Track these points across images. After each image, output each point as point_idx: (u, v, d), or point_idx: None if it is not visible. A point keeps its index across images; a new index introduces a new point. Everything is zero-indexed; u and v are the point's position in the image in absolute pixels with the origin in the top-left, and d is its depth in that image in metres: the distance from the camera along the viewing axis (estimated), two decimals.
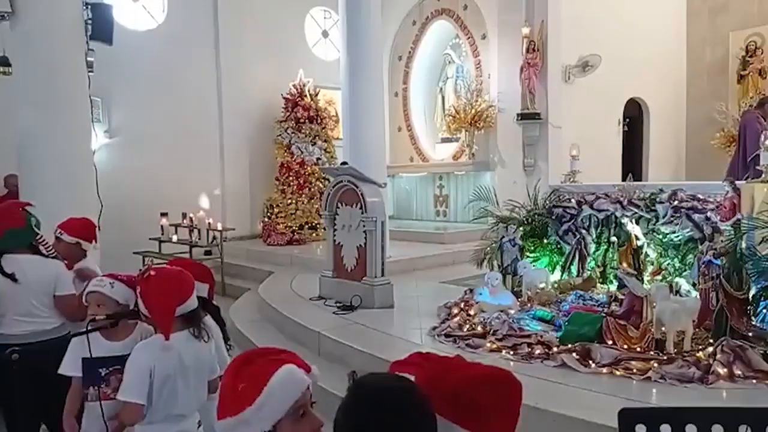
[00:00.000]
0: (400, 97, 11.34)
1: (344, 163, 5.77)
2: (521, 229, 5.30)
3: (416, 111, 11.26)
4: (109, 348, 2.31)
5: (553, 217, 5.35)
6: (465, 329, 4.25)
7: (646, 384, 3.21)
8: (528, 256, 5.27)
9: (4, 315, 2.78)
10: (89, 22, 5.25)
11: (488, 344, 3.93)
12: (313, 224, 9.30)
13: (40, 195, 4.31)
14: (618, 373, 3.33)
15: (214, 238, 7.99)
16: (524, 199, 5.60)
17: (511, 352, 3.78)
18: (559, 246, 5.35)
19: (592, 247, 5.15)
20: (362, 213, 5.19)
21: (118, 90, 8.37)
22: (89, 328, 2.26)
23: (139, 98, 8.68)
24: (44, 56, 4.90)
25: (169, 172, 8.77)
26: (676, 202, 4.57)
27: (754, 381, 3.14)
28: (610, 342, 3.65)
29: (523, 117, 8.65)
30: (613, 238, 4.99)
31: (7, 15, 4.85)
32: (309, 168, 9.40)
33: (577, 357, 3.54)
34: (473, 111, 9.55)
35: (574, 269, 5.19)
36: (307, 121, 9.53)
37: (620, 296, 4.33)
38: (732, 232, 3.80)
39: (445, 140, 10.77)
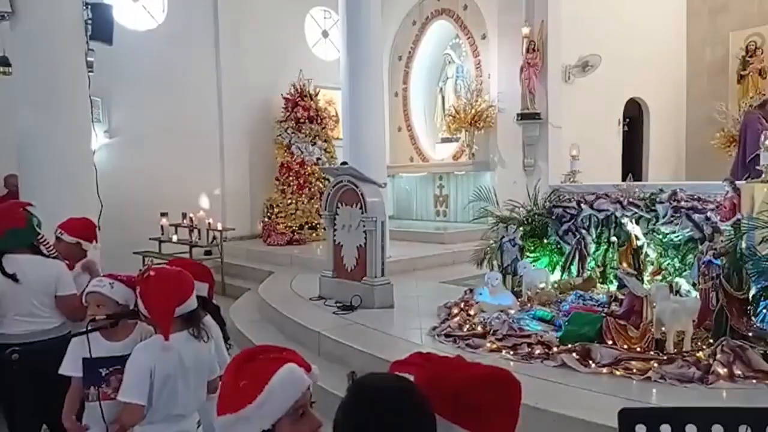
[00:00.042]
0: (400, 97, 11.34)
1: (344, 163, 5.77)
2: (521, 229, 5.30)
3: (416, 111, 11.26)
4: (109, 348, 2.31)
5: (553, 217, 5.35)
6: (465, 329, 4.25)
7: (646, 384, 3.21)
8: (528, 256, 5.27)
9: (5, 315, 2.78)
10: (89, 22, 5.25)
11: (488, 344, 3.93)
12: (313, 224, 9.30)
13: (40, 195, 4.31)
14: (618, 373, 3.33)
15: (214, 238, 8.00)
16: (524, 199, 5.60)
17: (511, 352, 3.78)
18: (559, 246, 5.35)
19: (592, 247, 5.15)
20: (362, 213, 5.19)
21: (118, 90, 8.37)
22: (89, 328, 2.26)
23: (139, 98, 8.68)
24: (44, 56, 4.89)
25: (169, 172, 8.77)
26: (676, 202, 4.57)
27: (754, 381, 3.14)
28: (610, 342, 3.65)
29: (523, 117, 8.66)
30: (613, 238, 4.99)
31: (7, 15, 4.85)
32: (309, 168, 9.40)
33: (577, 357, 3.54)
34: (473, 111, 9.55)
35: (574, 269, 5.19)
36: (307, 121, 9.53)
37: (620, 296, 4.33)
38: (732, 232, 3.80)
39: (445, 140, 10.78)
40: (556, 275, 5.27)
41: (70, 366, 2.31)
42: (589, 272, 5.13)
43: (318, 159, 9.52)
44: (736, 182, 4.09)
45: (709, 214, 4.29)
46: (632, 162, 10.24)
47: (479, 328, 4.21)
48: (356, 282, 5.29)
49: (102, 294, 2.32)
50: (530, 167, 8.73)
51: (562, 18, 8.57)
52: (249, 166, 10.00)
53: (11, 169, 6.06)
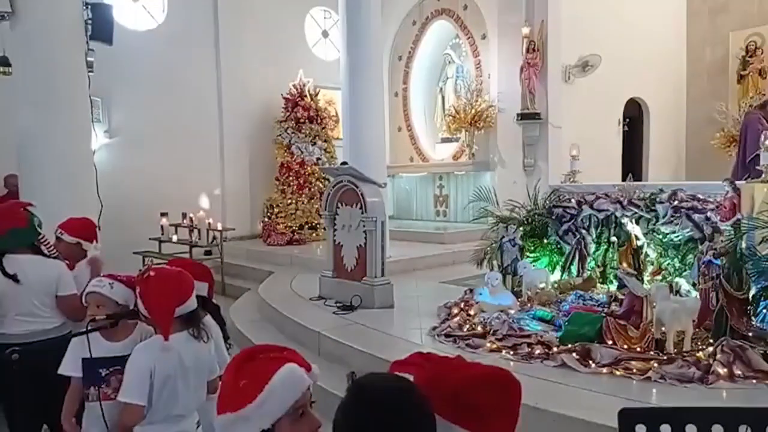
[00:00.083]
0: (400, 97, 11.34)
1: (344, 163, 5.77)
2: (521, 229, 5.30)
3: (416, 111, 11.26)
4: (109, 348, 2.31)
5: (553, 217, 5.34)
6: (465, 329, 4.25)
7: (646, 384, 3.21)
8: (528, 256, 5.27)
9: (6, 315, 2.78)
10: (89, 22, 5.25)
11: (488, 344, 3.93)
12: (313, 224, 9.30)
13: (40, 195, 4.31)
14: (618, 373, 3.33)
15: (214, 238, 8.00)
16: (524, 199, 5.59)
17: (511, 352, 3.77)
18: (559, 246, 5.34)
19: (592, 247, 5.15)
20: (362, 213, 5.19)
21: (118, 90, 8.37)
22: (89, 328, 2.26)
23: (139, 98, 8.68)
24: (44, 56, 4.90)
25: (169, 172, 8.77)
26: (676, 202, 4.57)
27: (754, 381, 3.14)
28: (610, 342, 3.65)
29: (523, 117, 8.66)
30: (613, 238, 4.99)
31: (7, 15, 4.85)
32: (309, 168, 9.40)
33: (577, 357, 3.54)
34: (473, 111, 9.55)
35: (574, 269, 5.18)
36: (307, 121, 9.53)
37: (620, 296, 4.33)
38: (732, 232, 3.80)
39: (445, 140, 10.77)
40: (556, 275, 5.26)
41: (70, 366, 2.32)
42: (589, 272, 5.13)
43: (318, 159, 9.52)
44: (736, 182, 4.09)
45: (709, 214, 4.29)
46: (632, 162, 10.25)
47: (479, 328, 4.21)
48: (356, 282, 5.29)
49: (102, 294, 2.32)
50: (530, 167, 8.73)
51: (562, 18, 8.57)
52: (249, 166, 10.01)
53: (11, 169, 6.06)
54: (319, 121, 9.68)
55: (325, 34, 11.12)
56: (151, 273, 2.16)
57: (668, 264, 4.58)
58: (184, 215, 8.28)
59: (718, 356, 3.29)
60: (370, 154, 6.81)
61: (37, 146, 4.95)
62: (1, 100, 5.52)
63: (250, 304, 6.34)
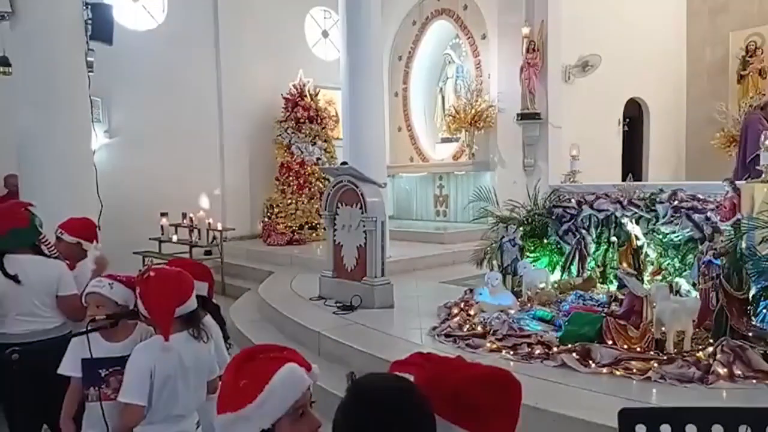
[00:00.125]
0: (400, 97, 11.34)
1: (344, 163, 5.77)
2: (521, 229, 5.30)
3: (416, 111, 11.26)
4: (109, 349, 2.31)
5: (553, 217, 5.34)
6: (465, 329, 4.25)
7: (646, 384, 3.21)
8: (528, 256, 5.27)
9: (6, 315, 2.78)
10: (89, 22, 5.25)
11: (488, 344, 3.93)
12: (313, 224, 9.30)
13: (40, 195, 4.31)
14: (618, 373, 3.33)
15: (214, 238, 8.00)
16: (524, 199, 5.59)
17: (511, 352, 3.78)
18: (559, 246, 5.34)
19: (592, 247, 5.15)
20: (362, 213, 5.19)
21: (118, 90, 8.37)
22: (89, 328, 2.26)
23: (139, 98, 8.68)
24: (44, 56, 4.89)
25: (169, 172, 8.77)
26: (676, 202, 4.57)
27: (754, 381, 3.14)
28: (610, 342, 3.64)
29: (523, 117, 8.66)
30: (613, 238, 4.98)
31: (7, 15, 4.85)
32: (309, 168, 9.40)
33: (577, 357, 3.54)
34: (473, 111, 9.55)
35: (574, 269, 5.18)
36: (307, 121, 9.53)
37: (620, 296, 4.33)
38: (732, 232, 3.80)
39: (445, 140, 10.77)
40: (556, 275, 5.26)
41: (69, 366, 2.31)
42: (589, 272, 5.13)
43: (318, 159, 9.52)
44: (736, 182, 4.09)
45: (709, 214, 4.29)
46: (632, 162, 10.25)
47: (479, 328, 4.21)
48: (356, 282, 5.29)
49: (101, 295, 2.32)
50: (530, 167, 8.73)
51: (562, 18, 8.57)
52: (249, 166, 10.01)
53: (11, 169, 6.06)
54: (319, 121, 9.69)
55: (325, 34, 11.12)
56: (151, 273, 2.16)
57: (668, 264, 4.58)
58: (184, 215, 8.28)
59: (718, 356, 3.29)
60: (370, 154, 6.81)
61: (37, 146, 4.95)
62: (1, 100, 5.51)
63: (250, 304, 6.34)
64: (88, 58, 5.29)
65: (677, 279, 4.44)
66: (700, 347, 3.53)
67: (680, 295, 4.19)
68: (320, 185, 9.25)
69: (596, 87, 9.14)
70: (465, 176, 10.11)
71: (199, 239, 7.85)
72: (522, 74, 8.52)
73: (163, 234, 8.13)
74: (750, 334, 3.49)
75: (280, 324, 5.31)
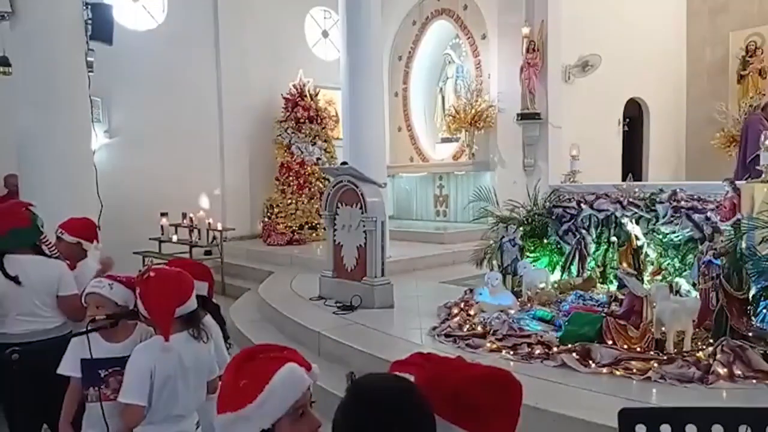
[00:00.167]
0: (400, 97, 11.34)
1: (344, 163, 5.77)
2: (521, 229, 5.30)
3: (416, 111, 11.26)
4: (109, 349, 2.31)
5: (553, 217, 5.35)
6: (465, 329, 4.25)
7: (646, 384, 3.21)
8: (528, 256, 5.27)
9: (7, 315, 2.78)
10: (89, 22, 5.25)
11: (488, 344, 3.93)
12: (313, 224, 9.30)
13: (40, 195, 4.31)
14: (618, 373, 3.33)
15: (214, 238, 8.00)
16: (524, 199, 5.60)
17: (511, 352, 3.78)
18: (559, 246, 5.35)
19: (592, 247, 5.15)
20: (362, 213, 5.19)
21: (118, 90, 8.37)
22: (89, 328, 2.25)
23: (139, 98, 8.68)
24: (44, 56, 4.89)
25: (169, 172, 8.77)
26: (676, 202, 4.57)
27: (754, 381, 3.14)
28: (610, 342, 3.65)
29: (523, 117, 8.66)
30: (613, 238, 4.99)
31: (7, 15, 4.85)
32: (309, 168, 9.40)
33: (577, 357, 3.54)
34: (473, 111, 9.55)
35: (574, 269, 5.19)
36: (307, 121, 9.53)
37: (620, 296, 4.33)
38: (732, 232, 3.80)
39: (445, 140, 10.77)
40: (556, 275, 5.26)
41: (69, 366, 2.31)
42: (589, 272, 5.13)
43: (318, 159, 9.52)
44: (736, 182, 4.09)
45: (709, 214, 4.29)
46: (632, 162, 10.25)
47: (479, 328, 4.21)
48: (356, 282, 5.29)
49: (101, 295, 2.31)
50: (530, 167, 8.73)
51: (562, 18, 8.57)
52: (249, 166, 10.01)
53: (11, 169, 6.06)
54: (319, 121, 9.69)
55: (325, 34, 11.12)
56: (151, 273, 2.16)
57: (668, 264, 4.58)
58: (184, 215, 8.28)
59: (718, 356, 3.29)
60: (370, 154, 6.81)
61: (37, 146, 4.95)
62: (1, 100, 5.51)
63: (250, 304, 6.34)
64: (88, 58, 5.29)
65: (677, 279, 4.44)
66: (700, 347, 3.53)
67: (680, 295, 4.19)
68: (320, 185, 9.25)
69: (596, 87, 9.14)
70: (465, 176, 10.11)
71: (199, 239, 7.85)
72: (522, 74, 8.52)
73: (163, 234, 8.13)
74: (750, 334, 3.49)
75: (280, 324, 5.31)
